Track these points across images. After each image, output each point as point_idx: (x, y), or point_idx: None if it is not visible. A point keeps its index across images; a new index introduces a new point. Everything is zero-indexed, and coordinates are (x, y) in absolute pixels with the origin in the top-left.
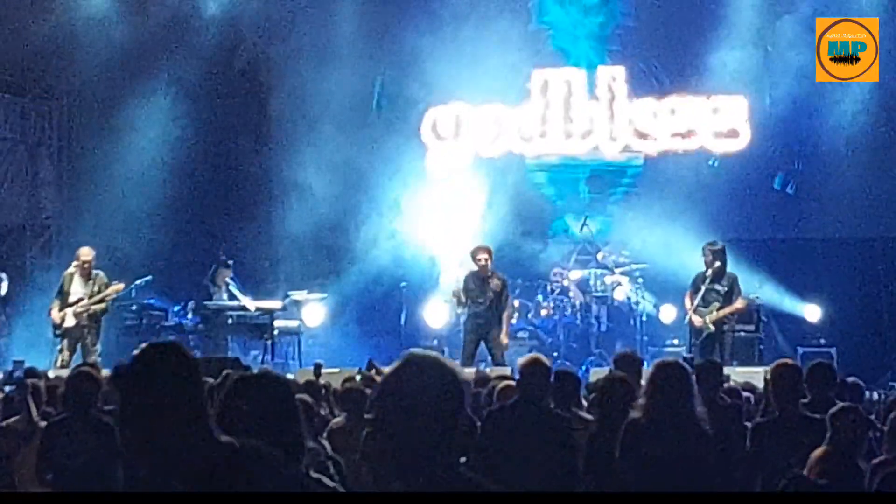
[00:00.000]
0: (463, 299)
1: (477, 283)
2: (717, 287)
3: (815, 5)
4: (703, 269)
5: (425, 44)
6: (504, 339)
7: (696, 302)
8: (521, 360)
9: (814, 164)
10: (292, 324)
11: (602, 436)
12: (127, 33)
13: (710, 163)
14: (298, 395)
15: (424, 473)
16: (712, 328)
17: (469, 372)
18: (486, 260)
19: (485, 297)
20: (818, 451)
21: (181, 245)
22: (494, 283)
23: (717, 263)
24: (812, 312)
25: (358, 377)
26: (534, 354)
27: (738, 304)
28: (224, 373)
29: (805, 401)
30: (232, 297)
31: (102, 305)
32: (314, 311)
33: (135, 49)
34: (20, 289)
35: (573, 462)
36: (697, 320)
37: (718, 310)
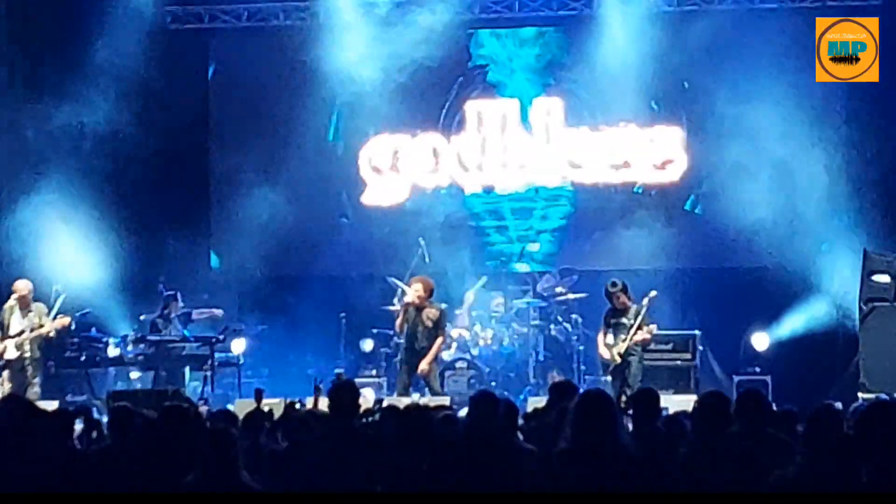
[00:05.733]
0: (400, 328)
1: (412, 313)
2: (624, 321)
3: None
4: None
5: (368, 77)
6: (424, 365)
7: (608, 338)
8: (472, 396)
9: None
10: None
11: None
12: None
13: (636, 189)
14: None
15: None
16: (618, 360)
17: (405, 402)
18: (420, 290)
19: (419, 328)
20: None
21: (121, 275)
22: (429, 314)
23: (622, 299)
24: (760, 341)
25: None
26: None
27: (639, 335)
28: (165, 404)
29: (734, 430)
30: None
31: (50, 333)
32: (239, 341)
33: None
34: None
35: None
36: (605, 353)
37: (624, 342)
